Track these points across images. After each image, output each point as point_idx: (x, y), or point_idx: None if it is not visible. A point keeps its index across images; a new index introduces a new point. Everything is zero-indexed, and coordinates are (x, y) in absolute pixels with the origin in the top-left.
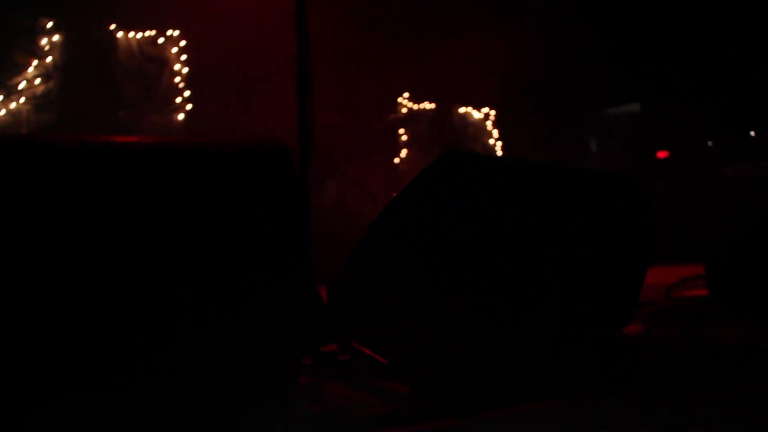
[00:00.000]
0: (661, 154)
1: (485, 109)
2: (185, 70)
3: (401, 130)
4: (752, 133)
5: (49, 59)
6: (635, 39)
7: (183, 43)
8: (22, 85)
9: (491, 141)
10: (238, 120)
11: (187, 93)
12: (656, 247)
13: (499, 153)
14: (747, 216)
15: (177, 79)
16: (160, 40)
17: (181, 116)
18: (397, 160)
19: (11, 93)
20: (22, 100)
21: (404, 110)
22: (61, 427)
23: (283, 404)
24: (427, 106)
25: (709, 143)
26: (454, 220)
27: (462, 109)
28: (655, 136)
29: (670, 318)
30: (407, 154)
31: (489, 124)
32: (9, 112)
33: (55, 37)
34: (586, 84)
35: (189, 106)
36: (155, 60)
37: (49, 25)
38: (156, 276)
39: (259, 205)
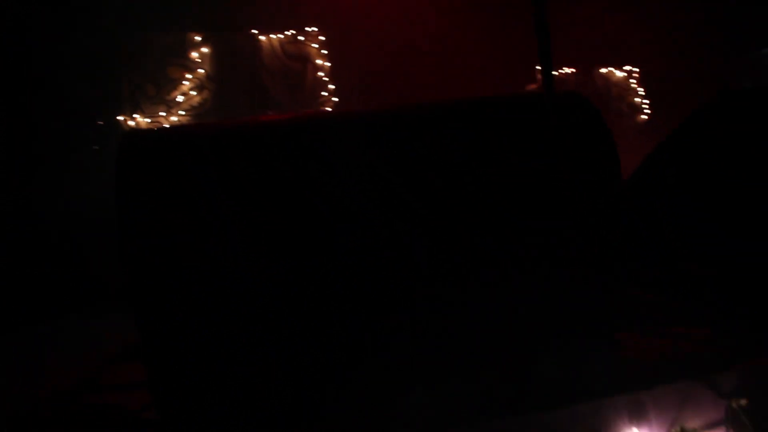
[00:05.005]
0: None
1: (627, 67)
2: (327, 64)
3: None
4: None
5: (200, 71)
6: None
7: (322, 38)
8: (179, 98)
9: (637, 99)
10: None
11: (331, 86)
12: None
13: (647, 111)
14: None
15: (320, 74)
16: (300, 38)
17: (328, 110)
18: None
19: (171, 107)
20: (181, 112)
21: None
22: None
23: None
24: (567, 70)
25: None
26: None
27: (603, 70)
28: None
29: None
30: None
31: (633, 82)
32: (171, 124)
33: (204, 50)
34: (736, 25)
35: (335, 99)
36: (298, 58)
37: (198, 38)
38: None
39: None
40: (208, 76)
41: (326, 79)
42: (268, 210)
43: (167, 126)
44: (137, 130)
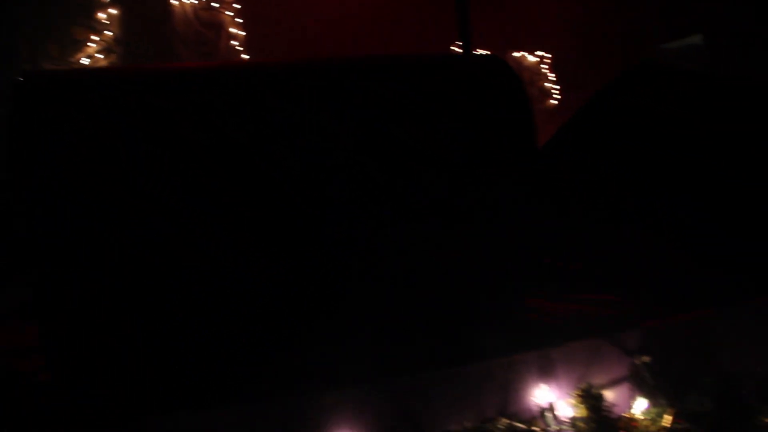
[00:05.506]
0: None
1: (540, 53)
2: (242, 33)
3: None
4: None
5: (108, 33)
6: None
7: (237, 6)
8: (84, 61)
9: (547, 85)
10: None
11: (245, 57)
12: None
13: (557, 97)
14: None
15: (234, 43)
16: (214, 5)
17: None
18: None
19: None
20: None
21: None
22: None
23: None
24: (481, 53)
25: None
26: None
27: (516, 54)
28: (721, 68)
29: None
30: None
31: (545, 68)
32: None
33: (112, 11)
34: (642, 20)
35: None
36: (211, 26)
37: None
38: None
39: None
40: (116, 39)
41: (240, 48)
42: (191, 161)
43: (80, 68)
44: (41, 71)
